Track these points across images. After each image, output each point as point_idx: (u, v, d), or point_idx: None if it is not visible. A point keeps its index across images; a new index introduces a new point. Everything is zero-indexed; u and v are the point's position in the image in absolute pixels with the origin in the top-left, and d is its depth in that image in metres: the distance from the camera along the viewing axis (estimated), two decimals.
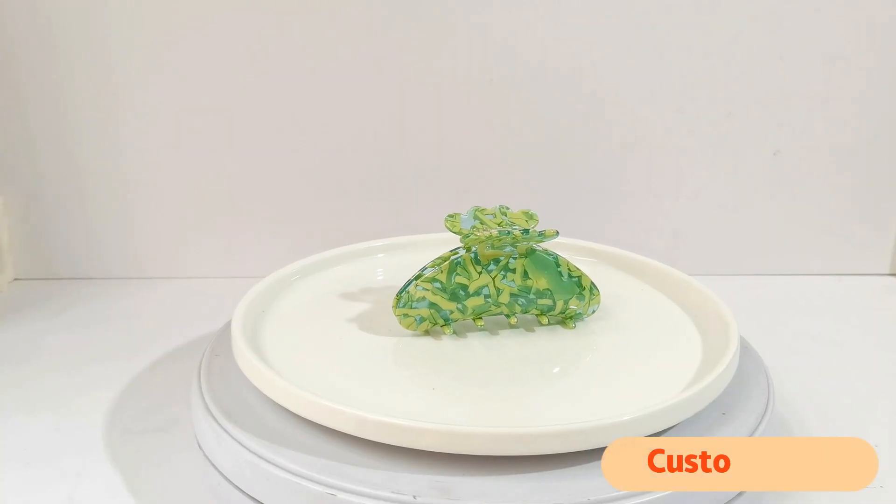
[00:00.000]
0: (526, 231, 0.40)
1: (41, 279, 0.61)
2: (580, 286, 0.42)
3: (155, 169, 0.59)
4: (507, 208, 0.42)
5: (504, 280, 0.41)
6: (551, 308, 0.42)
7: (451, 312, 0.41)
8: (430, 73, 0.57)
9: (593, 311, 0.43)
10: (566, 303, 0.42)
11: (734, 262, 0.62)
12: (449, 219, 0.41)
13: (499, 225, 0.40)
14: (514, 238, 0.40)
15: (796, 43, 0.57)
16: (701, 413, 0.35)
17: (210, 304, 0.56)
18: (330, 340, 0.41)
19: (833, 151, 0.59)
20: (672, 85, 0.58)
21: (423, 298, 0.41)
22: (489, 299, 0.41)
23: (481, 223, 0.40)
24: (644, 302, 0.45)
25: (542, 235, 0.40)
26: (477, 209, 0.41)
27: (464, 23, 0.56)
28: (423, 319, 0.41)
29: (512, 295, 0.41)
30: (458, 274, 0.41)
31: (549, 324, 0.43)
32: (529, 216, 0.41)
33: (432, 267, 0.41)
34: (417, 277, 0.41)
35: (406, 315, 0.41)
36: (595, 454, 0.32)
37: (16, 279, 0.61)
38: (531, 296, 0.42)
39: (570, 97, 0.58)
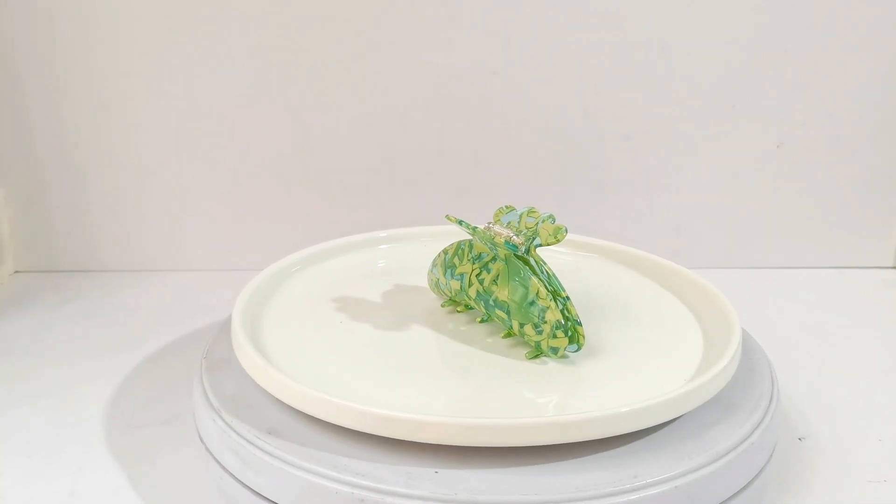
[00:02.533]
0: (474, 229, 0.39)
1: (42, 272, 0.61)
2: (541, 319, 0.38)
3: (156, 161, 0.59)
4: (552, 218, 0.38)
5: (479, 276, 0.41)
6: (509, 324, 0.39)
7: (445, 286, 0.43)
8: (433, 64, 0.57)
9: (556, 354, 0.38)
10: (522, 326, 0.38)
11: (736, 255, 0.61)
12: (503, 208, 0.40)
13: (527, 228, 0.39)
14: (478, 235, 0.39)
15: (800, 35, 0.56)
16: (705, 407, 0.35)
17: (211, 297, 0.56)
18: (331, 332, 0.41)
19: (836, 144, 0.59)
20: (675, 77, 0.57)
21: (436, 265, 0.43)
22: (462, 288, 0.42)
23: (519, 221, 0.39)
24: (646, 297, 0.45)
25: (493, 243, 0.38)
26: (530, 209, 0.39)
27: (466, 15, 0.56)
28: (436, 283, 0.44)
29: (477, 293, 0.41)
30: (456, 255, 0.42)
31: (506, 338, 0.40)
32: (554, 232, 0.37)
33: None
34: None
35: (429, 274, 0.44)
36: (596, 447, 0.32)
37: (16, 272, 0.61)
38: (491, 302, 0.40)
39: (571, 90, 0.58)
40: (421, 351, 0.40)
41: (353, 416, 0.33)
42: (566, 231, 0.37)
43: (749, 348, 0.41)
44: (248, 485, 0.34)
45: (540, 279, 0.38)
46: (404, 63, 0.57)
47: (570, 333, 0.38)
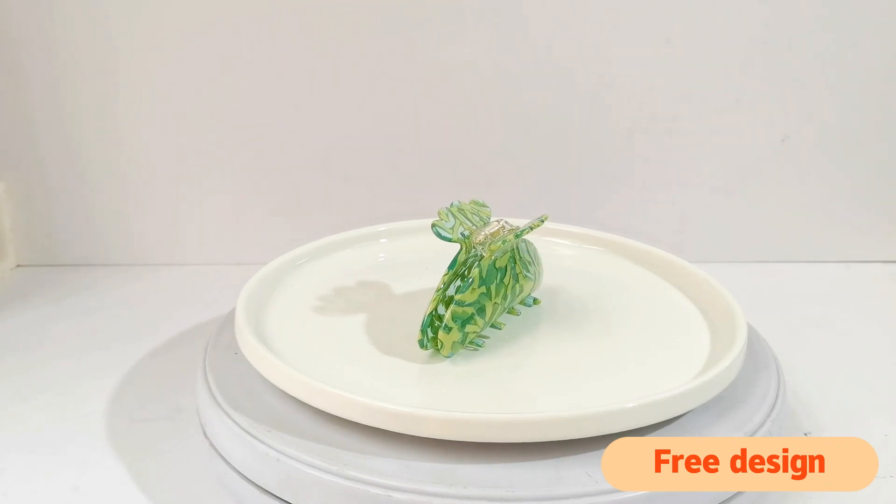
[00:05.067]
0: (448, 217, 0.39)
1: (44, 266, 0.61)
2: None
3: (158, 155, 0.59)
4: (518, 231, 0.39)
5: None
6: None
7: None
8: (436, 58, 0.57)
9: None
10: None
11: (741, 249, 0.61)
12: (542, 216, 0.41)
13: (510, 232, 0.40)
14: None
15: (805, 29, 0.56)
16: (710, 402, 0.35)
17: (214, 291, 0.56)
18: (334, 326, 0.41)
19: (841, 138, 0.59)
20: (679, 71, 0.57)
21: None
22: None
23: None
24: (650, 291, 0.45)
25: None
26: (542, 218, 0.40)
27: (471, 10, 0.56)
28: None
29: None
30: None
31: None
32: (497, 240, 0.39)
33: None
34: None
35: None
36: (599, 443, 0.32)
37: (18, 266, 0.61)
38: None
39: (576, 84, 0.57)
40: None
41: (358, 409, 0.33)
42: (502, 243, 0.38)
43: (755, 343, 0.41)
44: (251, 479, 0.34)
45: (451, 276, 0.38)
46: (407, 56, 0.57)
47: (429, 334, 0.38)
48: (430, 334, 0.38)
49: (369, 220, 0.51)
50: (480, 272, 0.38)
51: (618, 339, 0.40)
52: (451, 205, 0.40)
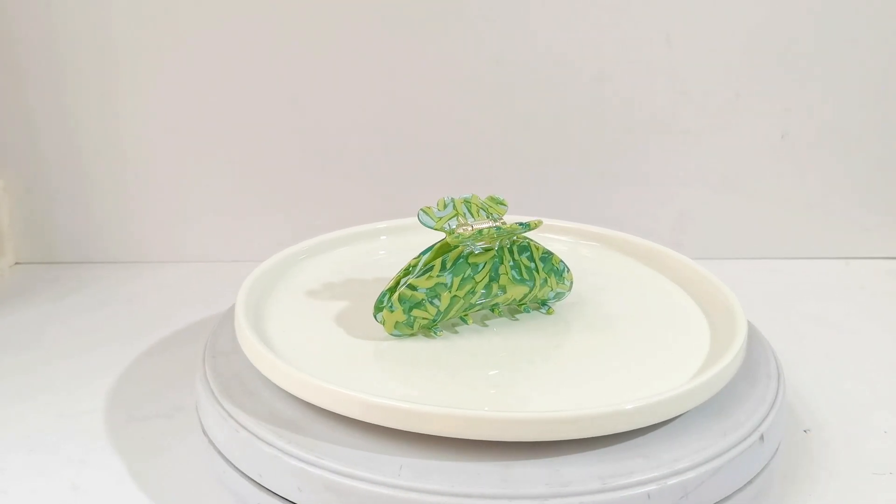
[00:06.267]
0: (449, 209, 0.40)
1: (42, 263, 0.61)
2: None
3: (156, 152, 0.59)
4: (482, 231, 0.40)
5: None
6: None
7: None
8: (435, 55, 0.57)
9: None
10: None
11: (741, 246, 0.61)
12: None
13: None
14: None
15: (805, 25, 0.56)
16: (710, 400, 0.35)
17: (213, 288, 0.56)
18: (334, 323, 0.41)
19: (841, 133, 0.59)
20: (679, 67, 0.57)
21: None
22: None
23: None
24: (649, 288, 0.45)
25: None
26: (528, 222, 0.40)
27: (469, 5, 0.56)
28: None
29: None
30: None
31: None
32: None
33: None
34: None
35: None
36: (596, 442, 0.32)
37: (17, 263, 0.61)
38: None
39: (575, 80, 0.57)
40: (424, 341, 0.40)
41: (358, 406, 0.32)
42: (457, 237, 0.38)
43: (754, 340, 0.41)
44: (251, 477, 0.34)
45: (420, 260, 0.39)
46: (406, 53, 0.57)
47: (384, 307, 0.39)
48: (381, 310, 0.38)
49: (369, 218, 0.51)
50: (444, 262, 0.38)
51: (616, 336, 0.40)
52: (461, 196, 0.39)
